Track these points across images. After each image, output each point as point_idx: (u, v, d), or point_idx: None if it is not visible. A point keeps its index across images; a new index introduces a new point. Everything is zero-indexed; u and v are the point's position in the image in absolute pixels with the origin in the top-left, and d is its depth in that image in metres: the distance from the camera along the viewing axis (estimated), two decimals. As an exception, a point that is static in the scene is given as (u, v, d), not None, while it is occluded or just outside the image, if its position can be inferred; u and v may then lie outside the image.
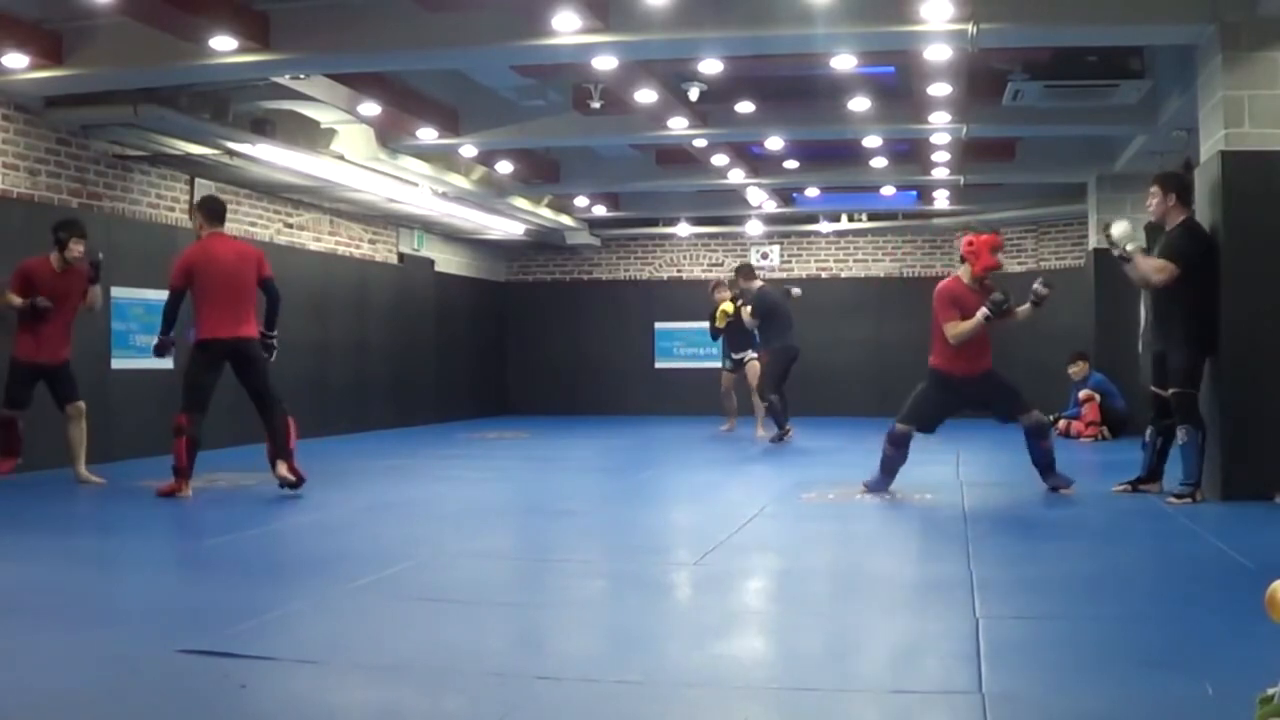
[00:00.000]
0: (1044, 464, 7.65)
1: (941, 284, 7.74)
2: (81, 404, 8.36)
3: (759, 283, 12.47)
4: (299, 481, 7.49)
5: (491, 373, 18.09)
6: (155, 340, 7.85)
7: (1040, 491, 7.91)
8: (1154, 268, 7.04)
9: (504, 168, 13.09)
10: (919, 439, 7.66)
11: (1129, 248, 7.17)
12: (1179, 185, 7.24)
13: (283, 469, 7.49)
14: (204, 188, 11.45)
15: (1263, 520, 6.32)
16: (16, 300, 8.04)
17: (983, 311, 7.40)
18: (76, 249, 8.14)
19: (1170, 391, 7.07)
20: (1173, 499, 6.98)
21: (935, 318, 7.59)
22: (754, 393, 12.72)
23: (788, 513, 7.01)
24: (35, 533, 6.28)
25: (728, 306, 12.86)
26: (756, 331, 12.42)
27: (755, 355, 12.80)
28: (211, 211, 7.84)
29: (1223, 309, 7.01)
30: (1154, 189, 7.24)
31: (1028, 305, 7.75)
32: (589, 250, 18.29)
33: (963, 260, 7.71)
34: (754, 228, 17.44)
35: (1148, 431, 7.53)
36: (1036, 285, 7.71)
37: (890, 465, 7.58)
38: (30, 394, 8.24)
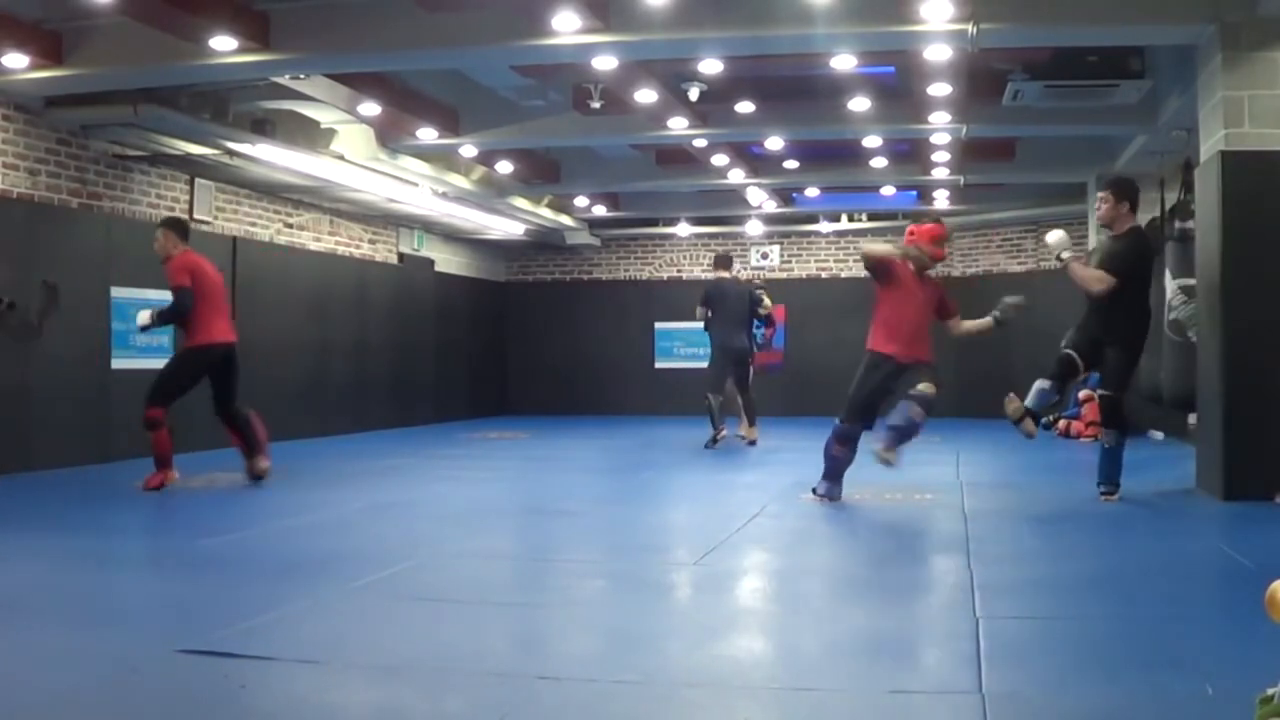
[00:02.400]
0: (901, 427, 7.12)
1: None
2: None
3: (726, 275, 12.18)
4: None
5: (491, 373, 18.09)
6: (148, 321, 7.98)
7: (1040, 492, 7.92)
8: (1094, 278, 7.17)
9: (504, 168, 13.09)
10: (923, 444, 7.67)
11: (1064, 255, 7.32)
12: (1133, 193, 7.35)
13: (262, 462, 7.97)
14: (204, 188, 11.46)
15: (1263, 520, 6.32)
16: None
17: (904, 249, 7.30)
18: None
19: (1099, 393, 7.25)
20: (1104, 498, 7.12)
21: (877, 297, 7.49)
22: (738, 393, 12.60)
23: (788, 513, 7.01)
24: (35, 533, 6.28)
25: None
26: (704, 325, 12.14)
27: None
28: (183, 232, 8.15)
29: (1223, 309, 7.02)
30: (1105, 194, 7.34)
31: (989, 320, 7.51)
32: (589, 250, 18.29)
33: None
34: (754, 228, 17.44)
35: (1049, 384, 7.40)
36: (1011, 301, 7.55)
37: (839, 468, 7.33)
38: None
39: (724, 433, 11.60)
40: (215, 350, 7.95)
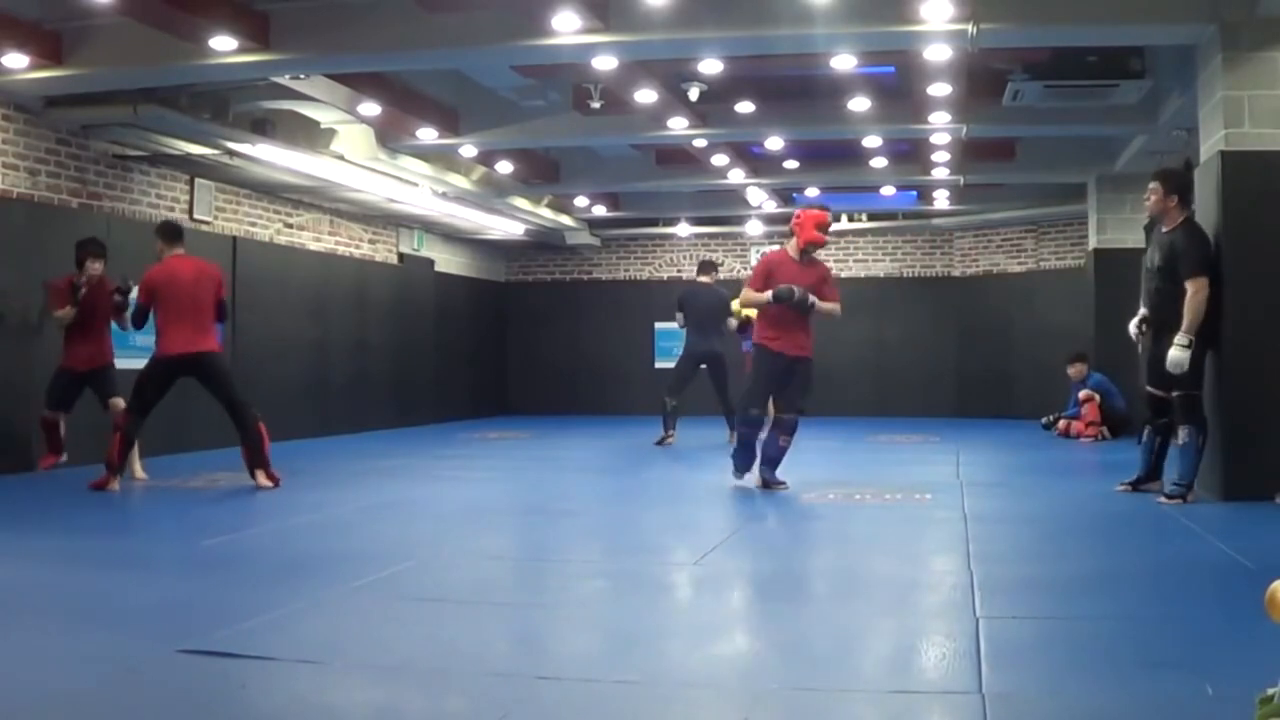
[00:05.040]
0: (774, 457, 7.96)
1: (766, 253, 8.26)
2: (119, 401, 8.55)
3: (705, 280, 12.32)
4: (276, 484, 7.87)
5: (491, 373, 18.09)
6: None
7: (1040, 492, 7.92)
8: (1192, 295, 6.83)
9: (504, 168, 13.09)
10: (923, 444, 7.67)
11: (1174, 364, 6.92)
12: (1181, 184, 7.15)
13: (261, 477, 7.86)
14: (204, 188, 11.46)
15: (1263, 520, 6.32)
16: (59, 313, 8.55)
17: (769, 294, 7.67)
18: (94, 267, 8.55)
19: (1175, 393, 7.01)
20: (1164, 498, 6.99)
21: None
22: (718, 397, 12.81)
23: (788, 513, 7.01)
24: (36, 533, 6.28)
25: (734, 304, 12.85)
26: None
27: None
28: (169, 235, 8.28)
29: (1223, 309, 7.01)
30: (1154, 185, 7.15)
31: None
32: (589, 250, 18.28)
33: (791, 234, 7.99)
34: (754, 228, 17.44)
35: (1145, 431, 7.52)
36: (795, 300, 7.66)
37: (750, 445, 8.05)
38: (68, 397, 8.72)
39: (672, 437, 11.68)
40: (167, 362, 7.90)
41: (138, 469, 8.51)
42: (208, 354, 7.94)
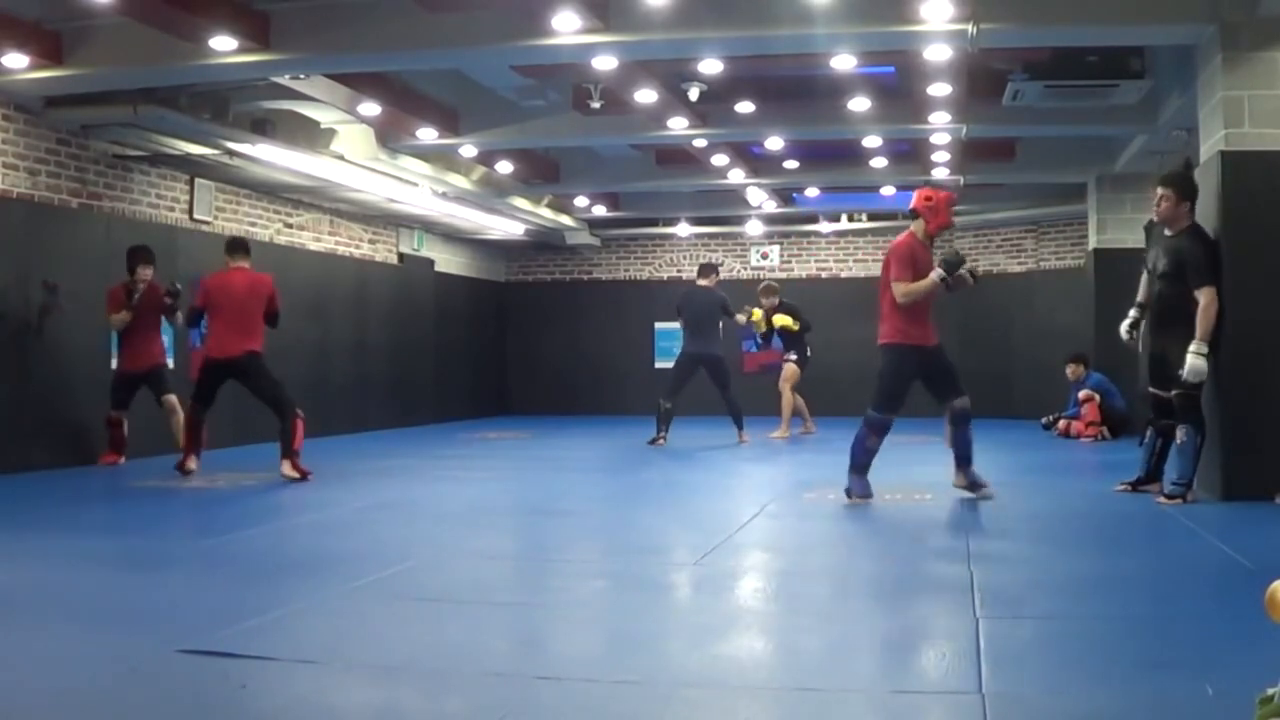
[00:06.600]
0: (968, 454, 7.21)
1: (897, 240, 7.28)
2: (171, 398, 9.30)
3: (703, 283, 12.35)
4: (303, 478, 8.22)
5: (491, 373, 18.08)
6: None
7: (1040, 492, 7.92)
8: (1205, 307, 6.78)
9: (504, 168, 13.08)
10: (923, 444, 7.66)
11: (1193, 372, 6.83)
12: (1192, 191, 7.09)
13: (285, 467, 8.27)
14: (204, 188, 11.46)
15: (1263, 520, 6.32)
16: (115, 317, 9.28)
17: (937, 272, 7.00)
18: (145, 273, 9.26)
19: (1174, 392, 7.01)
20: (1163, 499, 6.98)
21: (884, 284, 7.14)
22: (780, 393, 13.02)
23: (788, 513, 7.01)
24: (35, 533, 6.28)
25: (755, 313, 12.83)
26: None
27: (794, 358, 12.94)
28: (231, 249, 8.88)
29: (1223, 309, 6.99)
30: (1166, 191, 7.05)
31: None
32: (589, 250, 18.28)
33: (915, 215, 7.27)
34: (754, 228, 17.44)
35: (1147, 432, 7.52)
36: (964, 271, 7.20)
37: (867, 460, 7.19)
38: (127, 397, 9.42)
39: (664, 439, 11.70)
40: (212, 364, 8.53)
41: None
42: (246, 355, 8.44)
